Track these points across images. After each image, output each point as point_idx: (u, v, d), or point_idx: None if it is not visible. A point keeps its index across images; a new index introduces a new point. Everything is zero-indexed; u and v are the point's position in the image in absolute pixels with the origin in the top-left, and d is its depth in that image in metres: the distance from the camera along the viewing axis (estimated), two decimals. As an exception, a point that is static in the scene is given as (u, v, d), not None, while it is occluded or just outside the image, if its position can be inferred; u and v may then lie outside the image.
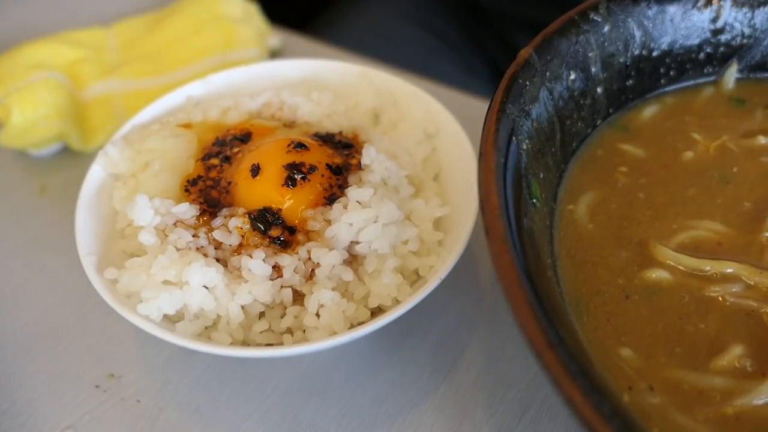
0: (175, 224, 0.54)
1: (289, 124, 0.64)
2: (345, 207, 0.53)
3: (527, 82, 0.49)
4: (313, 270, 0.52)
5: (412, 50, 1.05)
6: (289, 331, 0.52)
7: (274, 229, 0.53)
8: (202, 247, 0.53)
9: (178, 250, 0.52)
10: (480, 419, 0.54)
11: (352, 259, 0.53)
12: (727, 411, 0.41)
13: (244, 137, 0.60)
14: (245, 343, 0.52)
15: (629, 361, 0.44)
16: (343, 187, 0.56)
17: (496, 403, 0.55)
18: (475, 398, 0.55)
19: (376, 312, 0.53)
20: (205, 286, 0.51)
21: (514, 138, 0.46)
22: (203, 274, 0.50)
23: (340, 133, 0.61)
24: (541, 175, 0.50)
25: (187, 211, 0.54)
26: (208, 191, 0.57)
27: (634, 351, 0.44)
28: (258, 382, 0.57)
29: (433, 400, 0.55)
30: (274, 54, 0.88)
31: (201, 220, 0.54)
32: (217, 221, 0.53)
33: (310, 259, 0.52)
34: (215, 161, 0.59)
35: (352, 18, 1.13)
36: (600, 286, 0.48)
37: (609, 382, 0.42)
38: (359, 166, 0.57)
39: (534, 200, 0.47)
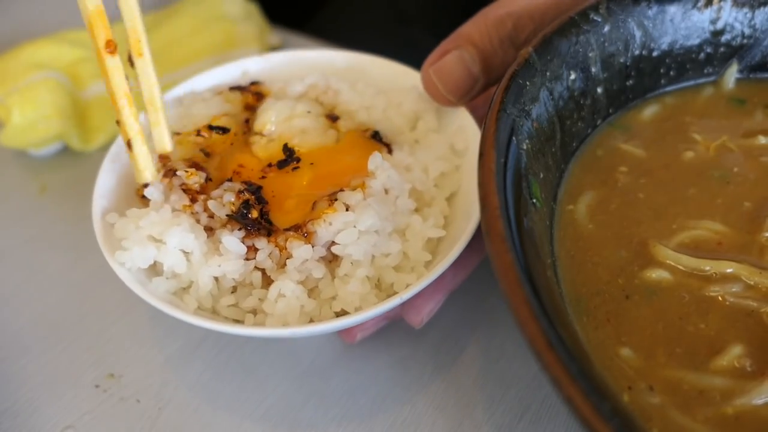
0: (181, 186, 0.55)
1: (330, 109, 0.64)
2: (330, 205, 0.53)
3: (527, 82, 0.49)
4: (287, 259, 0.52)
5: (413, 51, 1.04)
6: (254, 311, 0.53)
7: (254, 211, 0.54)
8: (197, 213, 0.54)
9: (174, 210, 0.53)
10: (480, 419, 0.54)
11: (333, 259, 0.53)
12: (727, 411, 0.41)
13: None
14: (214, 313, 0.53)
15: (629, 361, 0.44)
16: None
17: (496, 402, 0.55)
18: (475, 398, 0.55)
19: (341, 315, 0.52)
20: (183, 250, 0.52)
21: (514, 138, 0.46)
22: (182, 237, 0.51)
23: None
24: (541, 175, 0.50)
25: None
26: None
27: (634, 351, 0.44)
28: (258, 382, 0.57)
29: (433, 400, 0.55)
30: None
31: (205, 187, 0.56)
32: (216, 192, 0.55)
33: (286, 248, 0.52)
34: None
35: (352, 17, 1.13)
36: (600, 286, 0.48)
37: (609, 382, 0.42)
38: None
39: (534, 200, 0.47)
